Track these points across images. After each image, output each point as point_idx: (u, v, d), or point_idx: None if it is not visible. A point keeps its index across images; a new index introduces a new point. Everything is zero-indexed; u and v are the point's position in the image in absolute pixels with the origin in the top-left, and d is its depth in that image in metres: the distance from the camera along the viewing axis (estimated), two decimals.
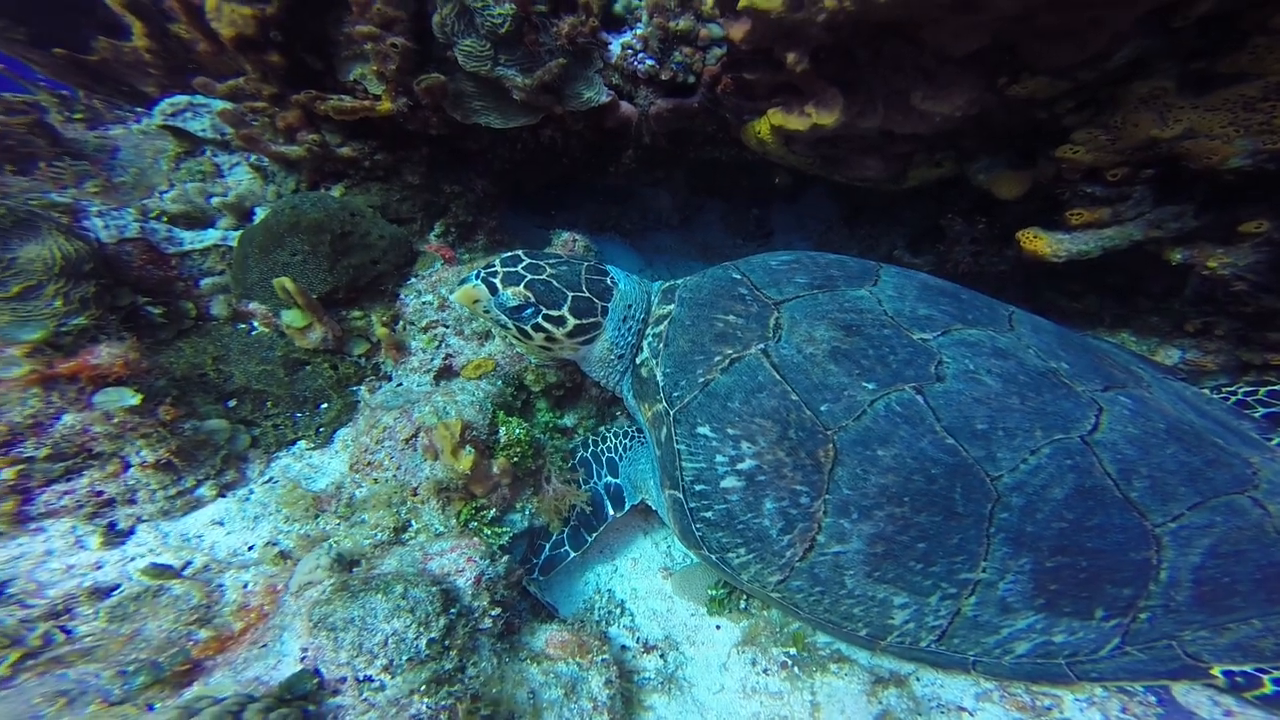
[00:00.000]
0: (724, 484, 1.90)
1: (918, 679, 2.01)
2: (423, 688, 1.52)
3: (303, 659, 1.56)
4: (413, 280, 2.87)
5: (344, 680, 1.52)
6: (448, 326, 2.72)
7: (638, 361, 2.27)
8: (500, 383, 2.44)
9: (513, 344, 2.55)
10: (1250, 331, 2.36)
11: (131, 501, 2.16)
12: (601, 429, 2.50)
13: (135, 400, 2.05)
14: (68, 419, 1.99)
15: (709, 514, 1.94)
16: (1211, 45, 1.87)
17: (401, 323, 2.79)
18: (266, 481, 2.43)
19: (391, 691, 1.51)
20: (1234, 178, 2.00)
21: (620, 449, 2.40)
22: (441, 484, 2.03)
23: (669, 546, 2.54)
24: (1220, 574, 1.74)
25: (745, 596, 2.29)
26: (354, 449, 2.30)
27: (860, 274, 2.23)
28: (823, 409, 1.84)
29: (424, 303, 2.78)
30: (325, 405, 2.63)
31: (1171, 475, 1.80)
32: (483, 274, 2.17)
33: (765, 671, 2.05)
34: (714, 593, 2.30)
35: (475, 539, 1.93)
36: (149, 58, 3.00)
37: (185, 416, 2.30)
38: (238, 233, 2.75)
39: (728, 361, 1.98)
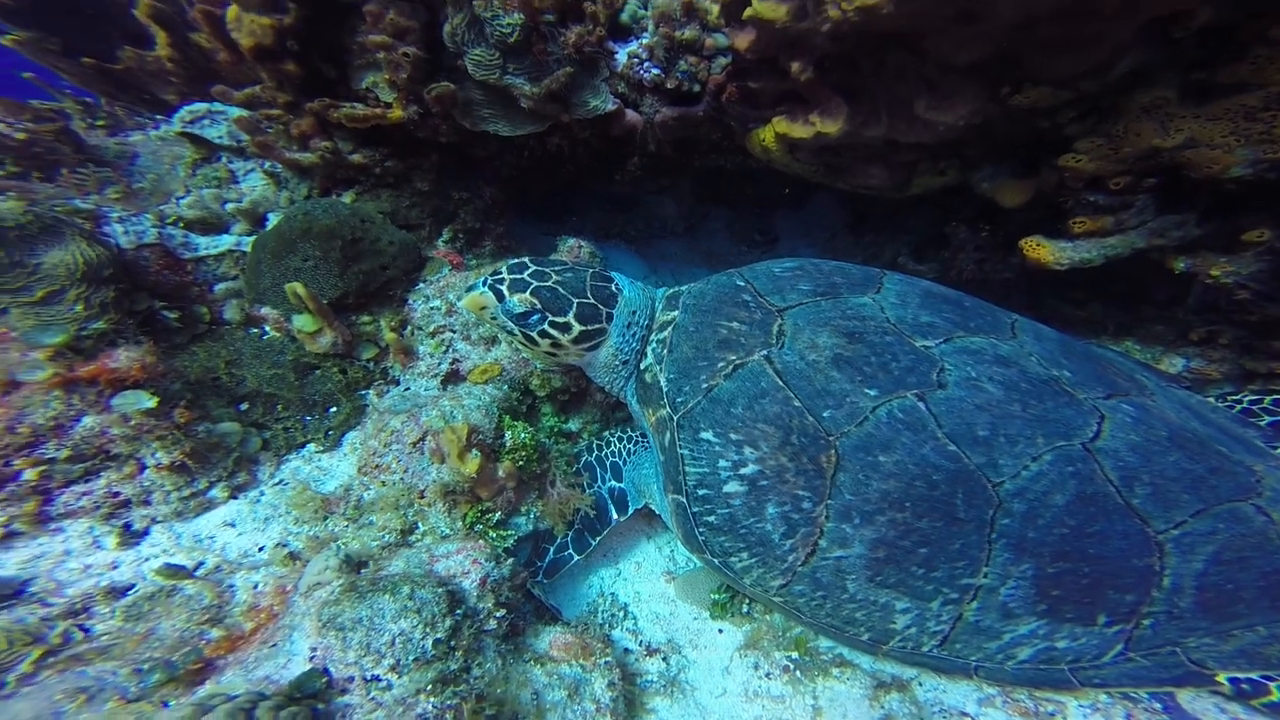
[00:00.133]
0: (727, 489, 1.92)
1: (920, 684, 2.01)
2: (429, 687, 1.54)
3: (312, 658, 1.59)
4: (421, 286, 2.92)
5: (352, 679, 1.55)
6: (455, 332, 2.76)
7: (642, 367, 2.29)
8: (506, 387, 2.47)
9: (519, 349, 2.58)
10: (1255, 340, 2.36)
11: (146, 502, 2.20)
12: (606, 434, 2.53)
13: (151, 403, 2.10)
14: (87, 421, 2.04)
15: (712, 518, 1.96)
16: (1212, 56, 1.88)
17: (410, 328, 2.83)
18: (277, 483, 2.48)
19: (398, 691, 1.53)
20: (1235, 187, 2.01)
21: (624, 454, 2.43)
22: (448, 487, 2.07)
23: (672, 551, 2.56)
24: (1224, 581, 1.74)
25: (748, 601, 2.30)
26: (362, 452, 2.34)
27: (863, 281, 2.24)
28: (825, 415, 1.85)
29: (432, 308, 2.82)
30: (334, 409, 2.67)
31: (1174, 482, 1.80)
32: (490, 281, 2.20)
33: (767, 675, 2.06)
34: (717, 597, 2.31)
35: (481, 541, 1.96)
36: (171, 66, 3.09)
37: (199, 419, 2.35)
38: (251, 238, 2.81)
39: (731, 367, 2.00)
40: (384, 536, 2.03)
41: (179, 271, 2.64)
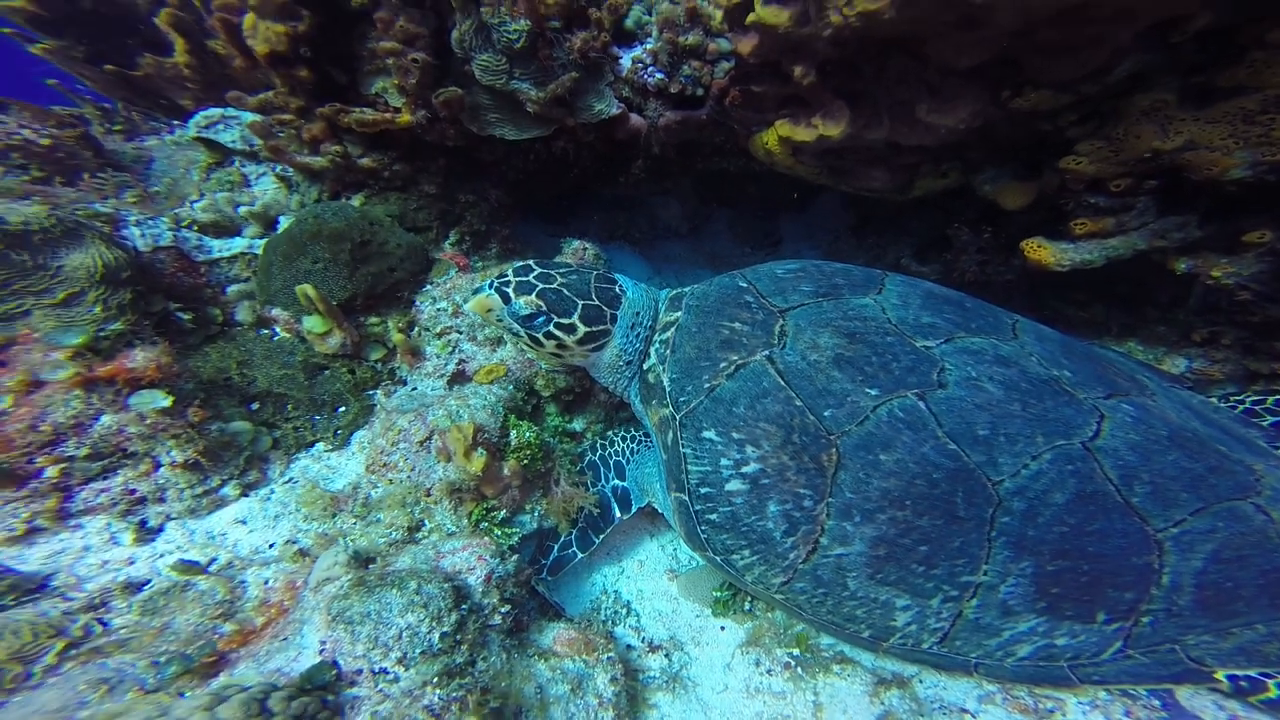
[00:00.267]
0: (729, 487, 1.94)
1: (920, 681, 2.02)
2: (435, 680, 1.56)
3: (321, 651, 1.62)
4: (428, 287, 2.96)
5: (360, 672, 1.57)
6: (461, 332, 2.80)
7: (645, 367, 2.32)
8: (511, 387, 2.50)
9: (524, 350, 2.61)
10: (1257, 341, 2.36)
11: (161, 500, 2.25)
12: (609, 433, 2.55)
13: (167, 402, 2.15)
14: (106, 420, 2.09)
15: (714, 516, 1.98)
16: (1210, 59, 1.90)
17: (417, 329, 2.87)
18: (287, 482, 2.52)
19: (405, 683, 1.56)
20: (1235, 189, 2.02)
21: (627, 453, 2.45)
22: (454, 485, 2.09)
23: (675, 549, 2.58)
24: (1223, 579, 1.75)
25: (750, 598, 2.32)
26: (370, 451, 2.37)
27: (865, 282, 2.26)
28: (826, 414, 1.87)
29: (439, 309, 2.86)
30: (343, 408, 2.72)
31: (1173, 481, 1.81)
32: (496, 283, 2.23)
33: (769, 672, 2.08)
34: (719, 594, 2.34)
35: (486, 539, 1.99)
36: (188, 73, 3.17)
37: (212, 418, 2.39)
38: (263, 241, 2.86)
39: (733, 367, 2.02)
40: (391, 533, 2.07)
41: (193, 274, 2.70)
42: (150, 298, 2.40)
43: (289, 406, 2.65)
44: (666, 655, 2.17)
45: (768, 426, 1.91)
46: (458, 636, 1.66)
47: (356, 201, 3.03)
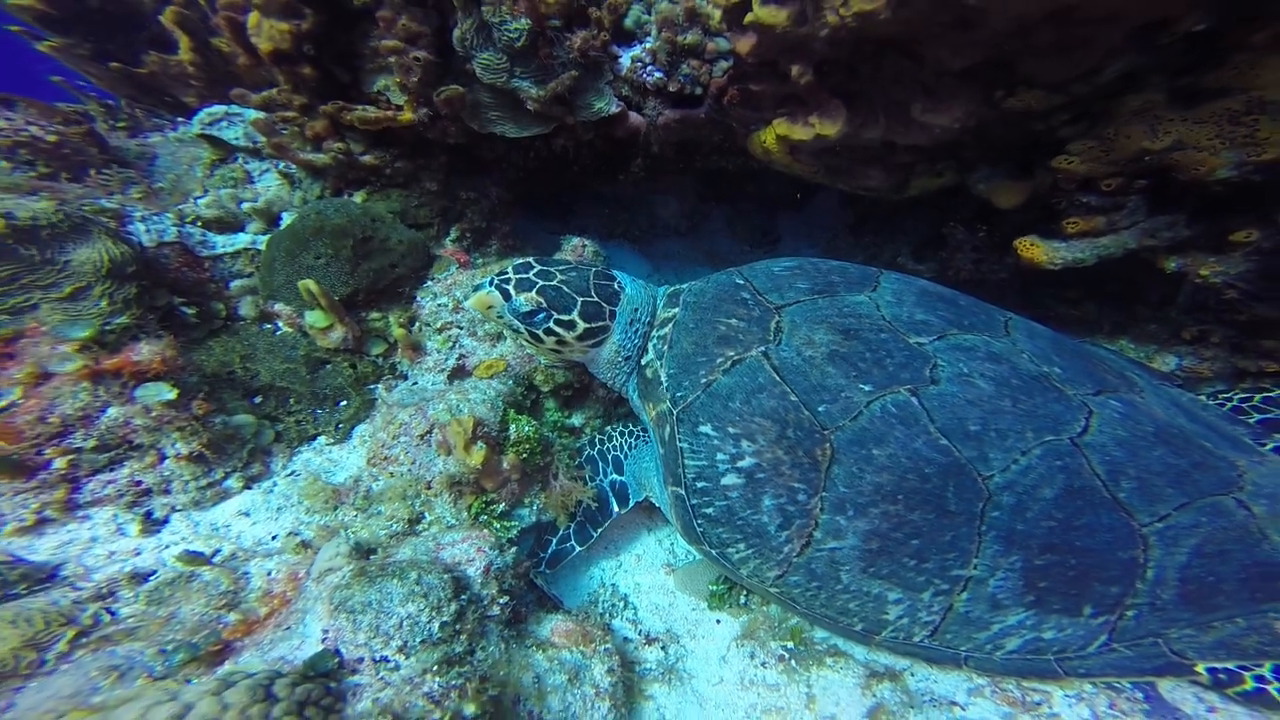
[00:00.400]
0: (724, 481, 1.97)
1: (912, 674, 2.05)
2: (435, 668, 1.59)
3: (324, 640, 1.64)
4: (429, 283, 2.98)
5: (362, 660, 1.59)
6: (461, 328, 2.82)
7: (643, 363, 2.35)
8: (511, 382, 2.52)
9: (524, 346, 2.64)
10: (1245, 339, 2.40)
11: (166, 492, 2.28)
12: (608, 428, 2.58)
13: (172, 395, 2.18)
14: (112, 412, 2.12)
15: (710, 510, 2.01)
16: (1197, 61, 1.93)
17: (418, 324, 2.90)
18: (289, 474, 2.55)
19: (406, 671, 1.58)
20: (1222, 188, 2.05)
21: (625, 447, 2.48)
22: (454, 478, 2.12)
23: (672, 543, 2.61)
24: (1205, 573, 1.78)
25: (745, 592, 2.35)
26: (371, 444, 2.40)
27: (860, 280, 2.29)
28: (820, 409, 1.90)
29: (439, 305, 2.89)
30: (344, 402, 2.75)
31: (1158, 477, 1.84)
32: (496, 281, 2.26)
33: (763, 665, 2.11)
34: (715, 588, 2.37)
35: (485, 531, 2.01)
36: (192, 70, 3.19)
37: (215, 412, 2.42)
38: (266, 237, 2.88)
39: (729, 363, 2.05)
40: (392, 526, 2.08)
41: (197, 269, 2.73)
42: (155, 292, 2.43)
43: (291, 400, 2.68)
44: (663, 647, 2.20)
45: (763, 421, 1.93)
46: (457, 626, 1.68)
47: (358, 198, 3.05)
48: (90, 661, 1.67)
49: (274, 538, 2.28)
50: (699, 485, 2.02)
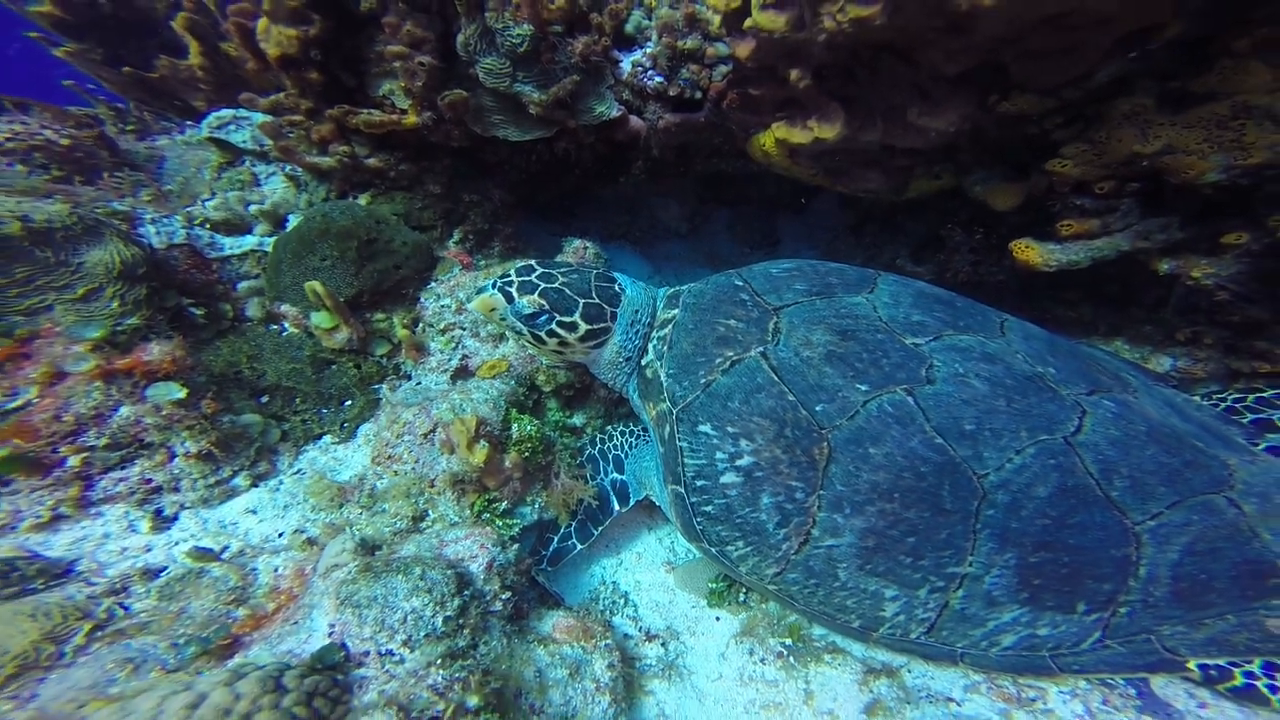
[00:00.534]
0: (723, 479, 2.00)
1: (909, 670, 2.07)
2: (438, 661, 1.61)
3: (330, 634, 1.67)
4: (432, 285, 3.02)
5: (367, 654, 1.62)
6: (464, 329, 2.85)
7: (643, 363, 2.37)
8: (513, 382, 2.55)
9: (526, 347, 2.66)
10: (1238, 340, 2.42)
11: (176, 489, 2.32)
12: (609, 428, 2.61)
13: (182, 394, 2.22)
14: (124, 411, 2.16)
15: (709, 508, 2.04)
16: (1185, 65, 1.95)
17: (421, 325, 2.93)
18: (295, 473, 2.58)
19: (410, 664, 1.60)
20: (1212, 191, 2.08)
21: (626, 447, 2.51)
22: (457, 476, 2.15)
23: (672, 542, 2.63)
24: (1197, 571, 1.80)
25: (744, 590, 2.37)
26: (376, 443, 2.43)
27: (858, 282, 2.31)
28: (818, 409, 1.93)
29: (442, 306, 2.92)
30: (349, 402, 2.78)
31: (1151, 475, 1.87)
32: (499, 283, 2.29)
33: (762, 661, 2.13)
34: (714, 586, 2.39)
35: (488, 528, 2.03)
36: (201, 74, 3.25)
37: (223, 411, 2.46)
38: (272, 239, 2.93)
39: (728, 363, 2.08)
40: (396, 523, 2.11)
41: (205, 270, 2.77)
42: (164, 293, 2.47)
43: (297, 400, 2.72)
44: (663, 644, 2.22)
45: (761, 421, 1.96)
46: (460, 621, 1.71)
47: (363, 200, 3.09)
48: (106, 654, 1.71)
49: (281, 535, 2.32)
50: (698, 484, 2.04)
